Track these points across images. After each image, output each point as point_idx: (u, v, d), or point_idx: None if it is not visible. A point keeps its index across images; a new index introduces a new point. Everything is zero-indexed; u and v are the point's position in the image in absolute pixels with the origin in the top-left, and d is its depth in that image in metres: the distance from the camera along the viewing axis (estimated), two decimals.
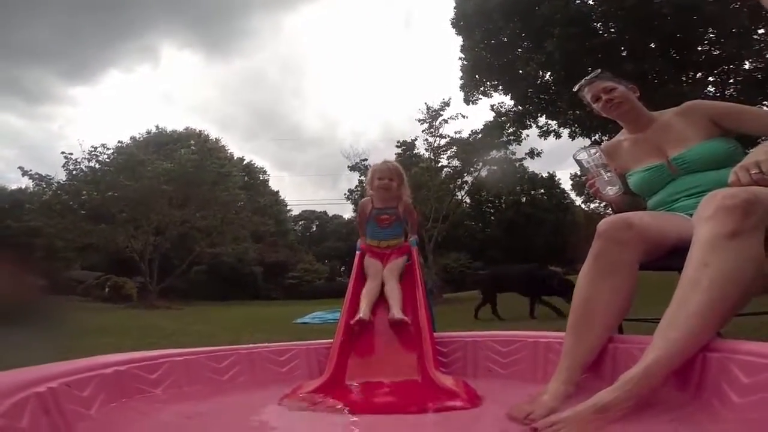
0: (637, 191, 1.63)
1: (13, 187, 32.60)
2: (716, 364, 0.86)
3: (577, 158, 1.62)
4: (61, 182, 16.00)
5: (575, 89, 1.78)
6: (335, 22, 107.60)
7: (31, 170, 15.76)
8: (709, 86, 11.28)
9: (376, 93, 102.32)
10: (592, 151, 1.58)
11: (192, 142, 26.98)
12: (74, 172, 15.78)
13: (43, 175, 16.02)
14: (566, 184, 34.15)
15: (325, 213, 42.53)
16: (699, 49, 10.87)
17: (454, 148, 15.59)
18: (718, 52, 10.59)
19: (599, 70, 1.73)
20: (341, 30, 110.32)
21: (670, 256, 1.23)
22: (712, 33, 10.46)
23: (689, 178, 1.47)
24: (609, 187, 1.54)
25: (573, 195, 32.92)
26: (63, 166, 15.68)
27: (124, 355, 1.04)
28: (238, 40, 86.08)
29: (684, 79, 11.10)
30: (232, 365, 1.33)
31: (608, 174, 1.55)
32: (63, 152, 15.52)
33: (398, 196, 2.03)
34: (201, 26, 76.90)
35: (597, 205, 25.72)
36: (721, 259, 0.94)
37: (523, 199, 33.32)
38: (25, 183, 19.06)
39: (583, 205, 31.59)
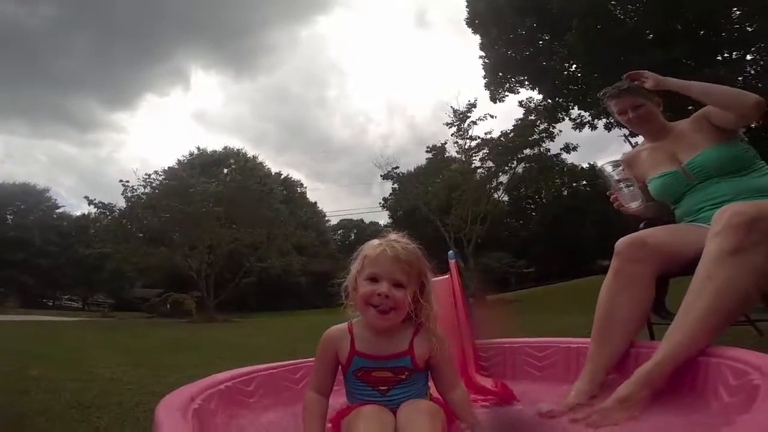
0: (657, 197, 1.70)
1: (76, 213, 35.88)
2: (714, 368, 1.01)
3: (600, 173, 1.75)
4: (122, 209, 17.40)
5: (600, 96, 1.85)
6: (350, 31, 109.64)
7: (95, 199, 17.31)
8: (748, 66, 10.63)
9: (400, 95, 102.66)
10: (614, 166, 1.69)
11: (232, 161, 28.45)
12: (132, 199, 17.12)
13: (106, 203, 17.51)
14: None
15: (362, 221, 43.39)
16: (729, 27, 10.31)
17: (486, 149, 15.47)
18: (751, 29, 10.01)
19: (627, 82, 1.75)
20: (357, 37, 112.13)
21: (693, 265, 1.30)
22: (738, 10, 9.91)
23: (710, 188, 1.53)
24: (632, 202, 1.65)
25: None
26: (122, 194, 17.08)
27: (229, 373, 1.33)
28: (260, 56, 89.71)
29: (719, 59, 10.50)
30: (304, 376, 1.60)
31: (630, 188, 1.65)
32: (121, 180, 16.98)
33: (415, 319, 1.00)
34: (222, 46, 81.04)
35: None
36: (724, 273, 1.09)
37: (565, 192, 32.25)
38: (88, 209, 20.95)
39: None
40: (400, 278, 0.95)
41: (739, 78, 10.09)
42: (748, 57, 10.80)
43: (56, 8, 59.30)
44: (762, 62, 10.67)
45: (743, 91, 1.51)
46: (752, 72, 10.67)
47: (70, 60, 63.83)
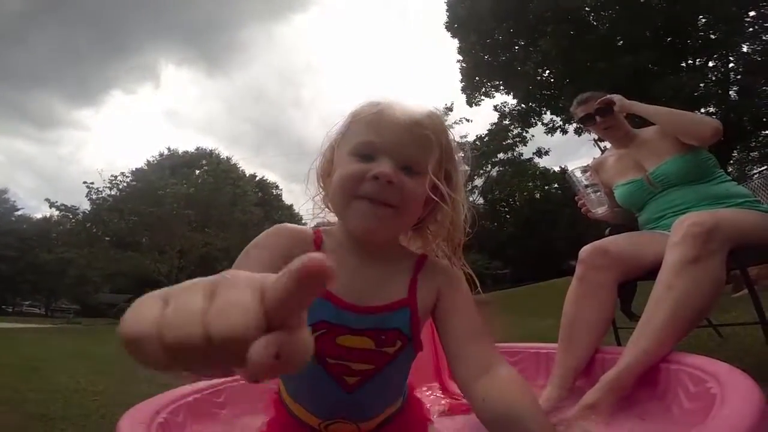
0: (622, 204, 1.76)
1: (36, 215, 34.25)
2: (674, 375, 1.04)
3: (569, 178, 1.80)
4: (86, 212, 16.70)
5: (571, 109, 1.93)
6: (328, 30, 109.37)
7: (57, 201, 16.52)
8: (710, 74, 11.13)
9: (378, 96, 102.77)
10: (583, 172, 1.73)
11: (204, 162, 27.69)
12: (97, 202, 16.45)
13: (69, 206, 16.75)
14: None
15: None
16: (694, 35, 10.82)
17: (461, 153, 15.75)
18: (714, 36, 10.52)
19: (590, 92, 1.84)
20: (334, 37, 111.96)
21: (652, 271, 1.37)
22: (704, 18, 10.41)
23: (672, 195, 1.59)
24: (598, 207, 1.69)
25: None
26: (86, 196, 16.41)
27: (196, 385, 1.29)
28: (234, 53, 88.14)
29: (684, 66, 11.02)
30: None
31: (597, 194, 1.69)
32: (85, 182, 16.31)
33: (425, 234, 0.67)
34: (196, 41, 79.12)
35: None
36: (683, 283, 1.13)
37: (537, 195, 33.06)
38: (49, 212, 20.02)
39: None
40: (415, 155, 0.56)
41: (701, 84, 10.59)
42: (710, 64, 11.28)
43: None
44: (723, 69, 11.22)
45: (704, 118, 1.60)
46: (713, 78, 11.15)
47: (29, 53, 60.74)
